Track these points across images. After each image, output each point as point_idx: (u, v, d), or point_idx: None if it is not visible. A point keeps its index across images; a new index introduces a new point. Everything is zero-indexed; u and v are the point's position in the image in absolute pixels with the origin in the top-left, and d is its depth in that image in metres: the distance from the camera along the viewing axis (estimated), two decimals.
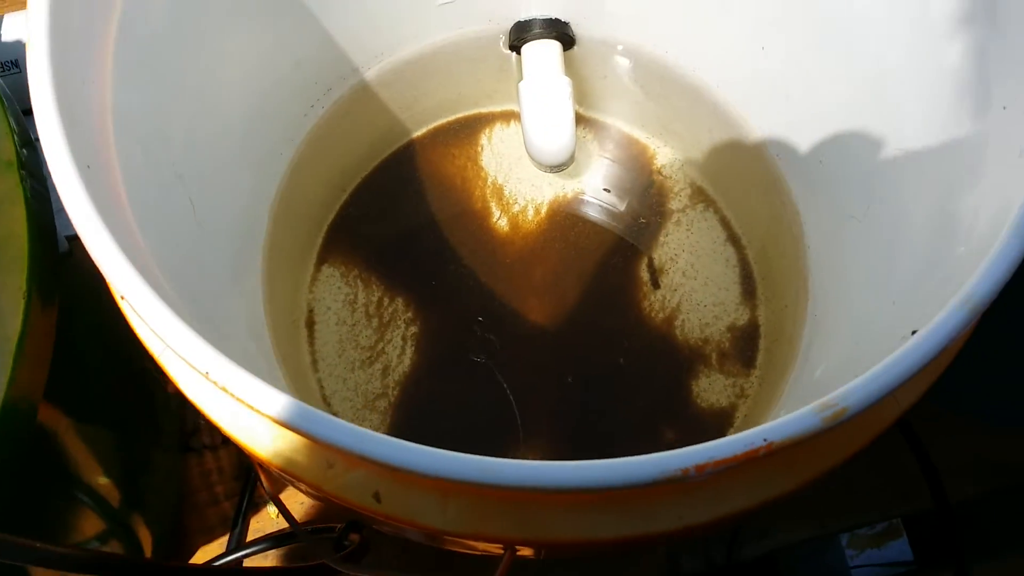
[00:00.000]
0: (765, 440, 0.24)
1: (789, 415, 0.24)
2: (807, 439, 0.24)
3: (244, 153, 0.44)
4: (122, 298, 0.26)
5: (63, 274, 0.34)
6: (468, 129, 0.56)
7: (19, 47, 0.57)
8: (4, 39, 0.57)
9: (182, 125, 0.37)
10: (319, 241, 0.54)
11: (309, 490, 0.29)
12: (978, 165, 0.31)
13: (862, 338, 0.35)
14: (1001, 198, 0.29)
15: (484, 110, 0.56)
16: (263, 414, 0.24)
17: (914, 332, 0.26)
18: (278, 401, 0.24)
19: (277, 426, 0.28)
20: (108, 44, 0.32)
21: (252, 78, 0.43)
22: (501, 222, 0.55)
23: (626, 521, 0.28)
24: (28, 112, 0.58)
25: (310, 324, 0.52)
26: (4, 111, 0.33)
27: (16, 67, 0.55)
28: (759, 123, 0.48)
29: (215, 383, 0.24)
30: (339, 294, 0.53)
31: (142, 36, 0.33)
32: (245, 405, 0.25)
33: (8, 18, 0.59)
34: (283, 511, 0.38)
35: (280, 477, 0.30)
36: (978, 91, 0.33)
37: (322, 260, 0.54)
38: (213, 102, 0.40)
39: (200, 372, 0.25)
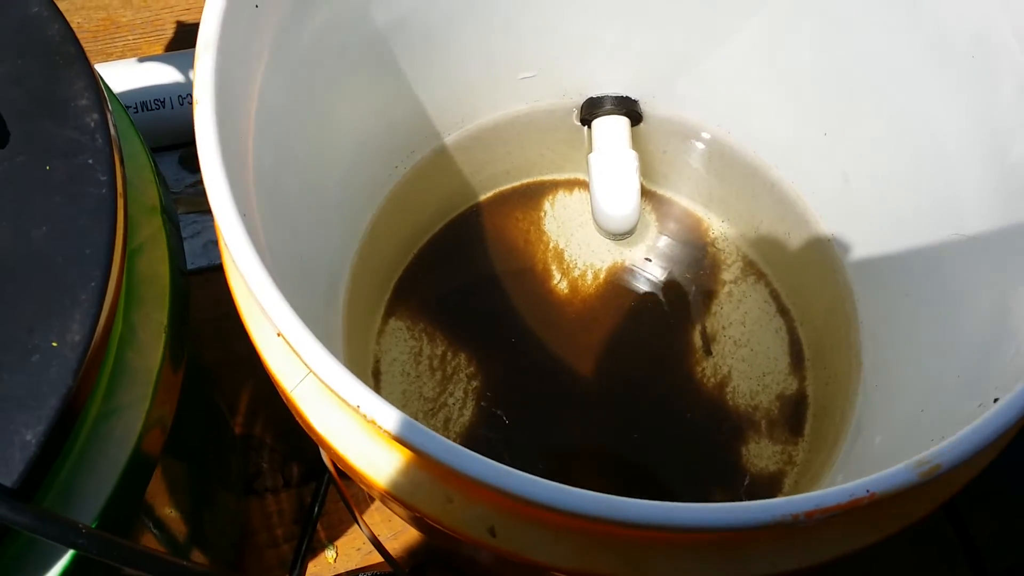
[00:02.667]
0: (868, 491, 0.26)
1: (889, 469, 0.27)
2: (905, 492, 0.27)
3: (338, 212, 0.47)
4: (279, 334, 0.29)
5: None
6: (533, 194, 0.59)
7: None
8: None
9: (296, 184, 0.40)
10: (387, 295, 0.56)
11: (427, 522, 0.31)
12: None
13: (928, 407, 0.38)
14: None
15: (549, 177, 0.59)
16: (413, 448, 0.26)
17: (996, 400, 0.29)
18: (431, 439, 0.26)
19: (405, 460, 0.31)
20: (252, 109, 0.35)
21: (351, 140, 0.46)
22: (561, 285, 0.57)
23: (723, 563, 0.30)
24: (155, 150, 0.61)
25: (376, 374, 0.55)
26: (148, 159, 0.36)
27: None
28: (816, 204, 0.51)
29: (380, 427, 0.27)
30: (404, 347, 0.55)
31: (274, 109, 0.37)
32: (391, 439, 0.27)
33: (97, 68, 0.62)
34: (376, 545, 0.40)
35: (397, 510, 0.32)
36: None
37: (389, 313, 0.56)
38: (317, 162, 0.43)
39: (351, 406, 0.27)
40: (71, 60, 0.31)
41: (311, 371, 0.28)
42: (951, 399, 0.35)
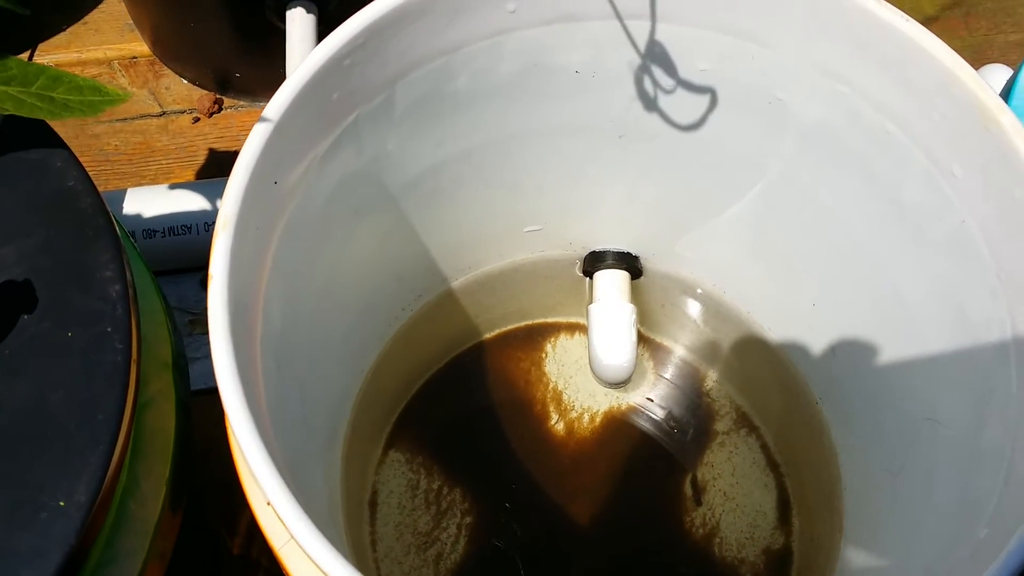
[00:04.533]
0: None
1: None
2: None
3: (342, 355, 0.49)
4: (268, 503, 0.31)
5: None
6: (535, 336, 0.62)
7: (141, 220, 0.64)
8: (127, 211, 0.64)
9: (303, 337, 0.43)
10: (388, 428, 0.58)
11: None
12: (1004, 456, 0.36)
13: None
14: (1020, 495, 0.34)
15: (551, 320, 0.62)
16: None
17: None
18: None
19: None
20: (264, 275, 0.37)
21: (359, 290, 0.49)
22: (558, 426, 0.59)
23: None
24: (179, 271, 0.64)
25: (372, 504, 0.56)
26: (165, 315, 0.39)
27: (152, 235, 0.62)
28: (804, 367, 0.53)
29: None
30: (402, 479, 0.57)
31: (286, 271, 0.39)
32: None
33: (131, 192, 0.66)
34: None
35: None
36: (1005, 386, 0.38)
37: (390, 445, 0.58)
38: (325, 314, 0.46)
39: None
40: (100, 232, 0.34)
41: (298, 545, 0.30)
42: None
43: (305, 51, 0.58)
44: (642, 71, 0.45)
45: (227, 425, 0.35)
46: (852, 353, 0.49)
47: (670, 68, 0.44)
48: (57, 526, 0.30)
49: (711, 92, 0.45)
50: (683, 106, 0.46)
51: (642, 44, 0.43)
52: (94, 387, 0.32)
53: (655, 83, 0.45)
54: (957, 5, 0.77)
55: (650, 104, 0.46)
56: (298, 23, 0.60)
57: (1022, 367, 0.37)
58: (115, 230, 0.34)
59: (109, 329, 0.33)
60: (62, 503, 0.30)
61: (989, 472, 0.37)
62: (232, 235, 0.34)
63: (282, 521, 0.31)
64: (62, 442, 0.31)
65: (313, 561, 0.30)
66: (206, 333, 0.65)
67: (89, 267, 0.34)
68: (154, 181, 0.68)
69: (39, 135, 0.36)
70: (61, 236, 0.34)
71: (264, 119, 0.36)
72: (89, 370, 0.32)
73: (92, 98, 0.32)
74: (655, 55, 0.44)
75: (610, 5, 0.42)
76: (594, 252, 0.57)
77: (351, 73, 0.38)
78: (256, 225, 0.36)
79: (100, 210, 0.35)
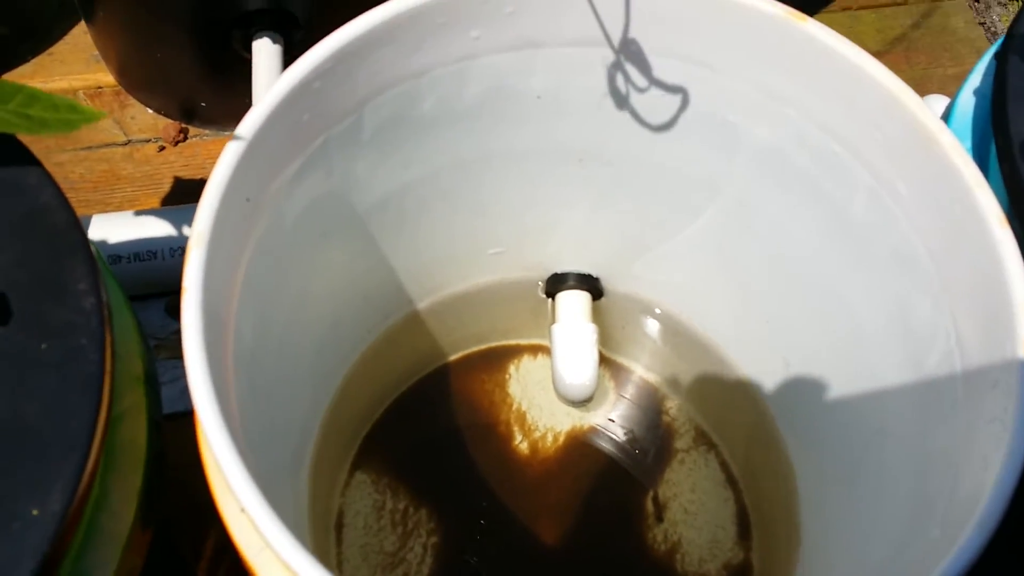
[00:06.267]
0: None
1: None
2: None
3: (311, 374, 0.50)
4: (242, 510, 0.31)
5: None
6: (499, 358, 0.63)
7: (107, 246, 0.64)
8: (92, 237, 0.65)
9: (272, 353, 0.43)
10: (355, 449, 0.59)
11: None
12: (953, 460, 0.37)
13: None
14: (972, 489, 0.35)
15: (515, 342, 0.63)
16: None
17: None
18: None
19: None
20: (236, 291, 0.38)
21: (327, 310, 0.49)
22: (522, 445, 0.60)
23: None
24: (144, 296, 0.64)
25: (339, 526, 0.57)
26: (137, 331, 0.39)
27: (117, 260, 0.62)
28: (761, 382, 0.55)
29: None
30: (368, 500, 0.58)
31: (257, 288, 0.40)
32: None
33: (96, 219, 0.66)
34: None
35: None
36: (951, 393, 0.39)
37: (356, 466, 0.59)
38: (294, 331, 0.47)
39: None
40: (75, 247, 0.35)
41: (273, 551, 0.31)
42: None
43: (271, 80, 0.59)
44: (600, 96, 0.46)
45: (198, 433, 0.36)
46: (806, 369, 0.51)
47: (627, 94, 0.46)
48: (31, 534, 0.30)
49: (666, 117, 0.46)
50: (640, 130, 0.48)
51: (599, 70, 0.45)
52: (69, 398, 0.32)
53: (613, 108, 0.47)
54: (898, 41, 0.81)
55: (609, 128, 0.48)
56: (264, 53, 0.61)
57: (966, 373, 0.38)
58: (89, 245, 0.35)
59: (83, 341, 0.33)
60: (35, 512, 0.31)
61: (939, 476, 0.38)
62: (205, 252, 0.35)
63: (256, 527, 0.31)
64: (36, 452, 0.31)
65: (288, 567, 0.31)
66: (172, 358, 0.65)
67: (63, 281, 0.34)
68: (119, 209, 0.69)
69: (13, 154, 0.36)
70: (36, 251, 0.34)
71: (237, 137, 0.37)
72: (64, 381, 0.32)
73: (69, 116, 0.33)
74: (612, 81, 0.45)
75: (569, 33, 0.43)
76: (556, 274, 0.58)
77: (320, 96, 0.40)
78: (228, 240, 0.37)
79: (74, 226, 0.35)
